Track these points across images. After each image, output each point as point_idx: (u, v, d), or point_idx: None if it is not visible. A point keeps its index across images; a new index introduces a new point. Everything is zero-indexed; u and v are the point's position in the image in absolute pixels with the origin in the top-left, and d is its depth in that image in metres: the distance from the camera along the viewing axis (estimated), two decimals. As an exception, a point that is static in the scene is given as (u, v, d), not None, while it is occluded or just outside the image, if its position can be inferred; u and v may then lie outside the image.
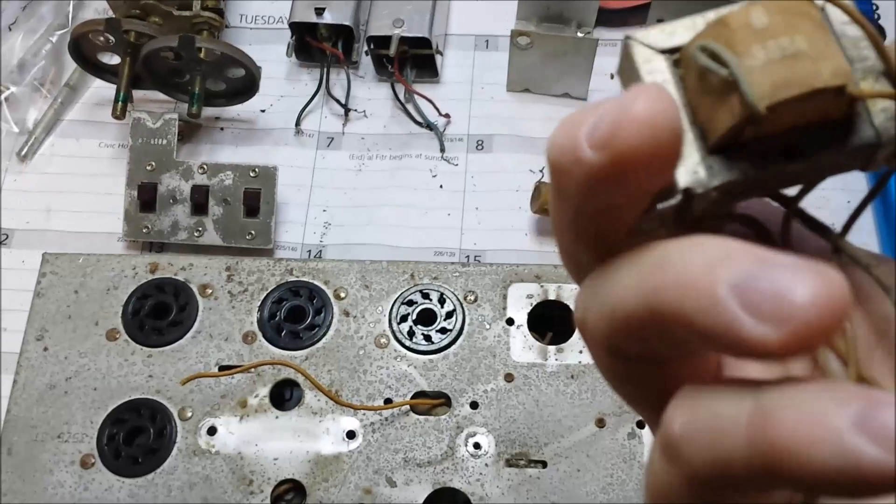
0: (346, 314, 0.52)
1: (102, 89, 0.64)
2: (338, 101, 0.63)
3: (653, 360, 0.19)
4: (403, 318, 0.52)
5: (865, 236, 0.58)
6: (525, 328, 0.51)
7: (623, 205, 0.18)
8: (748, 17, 0.18)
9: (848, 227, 0.22)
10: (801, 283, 0.14)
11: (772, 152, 0.19)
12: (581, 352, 0.51)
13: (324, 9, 0.62)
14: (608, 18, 0.63)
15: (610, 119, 0.16)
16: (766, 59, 0.17)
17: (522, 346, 0.51)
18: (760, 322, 0.15)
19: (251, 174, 0.58)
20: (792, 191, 0.21)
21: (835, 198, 0.58)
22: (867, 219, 0.59)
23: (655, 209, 0.19)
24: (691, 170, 0.18)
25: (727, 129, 0.18)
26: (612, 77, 0.63)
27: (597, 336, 0.19)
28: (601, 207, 0.18)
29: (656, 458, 0.18)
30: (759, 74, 0.17)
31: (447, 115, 0.63)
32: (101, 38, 0.59)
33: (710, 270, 0.15)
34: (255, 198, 0.57)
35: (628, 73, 0.20)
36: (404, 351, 0.51)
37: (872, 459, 0.14)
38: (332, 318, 0.52)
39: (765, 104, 0.17)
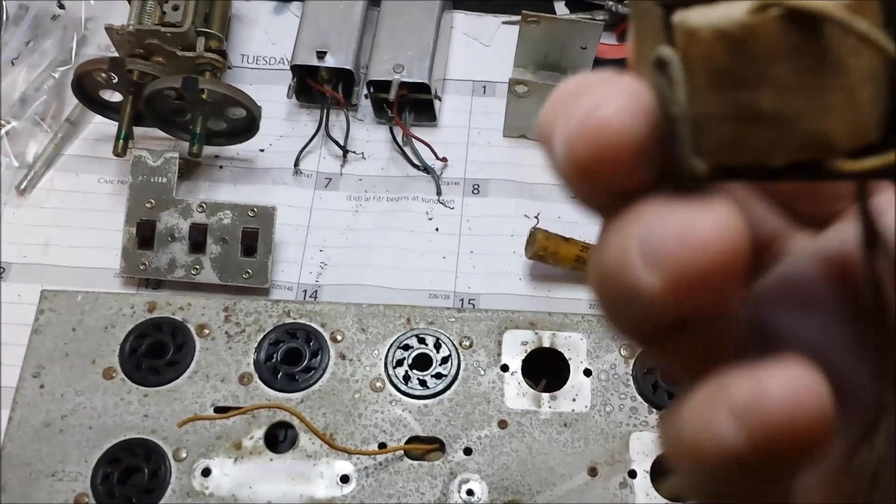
0: (343, 357, 0.53)
1: (103, 125, 0.65)
2: (336, 143, 0.64)
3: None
4: (399, 363, 0.52)
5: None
6: (519, 375, 0.52)
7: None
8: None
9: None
10: (683, 224, 0.13)
11: None
12: (574, 399, 0.51)
13: (325, 52, 0.63)
14: (604, 69, 0.64)
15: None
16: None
17: (516, 392, 0.52)
18: (650, 269, 0.13)
19: (249, 214, 0.58)
20: None
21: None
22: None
23: None
24: None
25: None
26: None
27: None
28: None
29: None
30: None
31: (444, 159, 0.64)
32: (104, 77, 0.59)
33: (628, 232, 0.14)
34: (253, 237, 0.58)
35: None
36: (399, 395, 0.52)
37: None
38: (329, 360, 0.53)
39: None
